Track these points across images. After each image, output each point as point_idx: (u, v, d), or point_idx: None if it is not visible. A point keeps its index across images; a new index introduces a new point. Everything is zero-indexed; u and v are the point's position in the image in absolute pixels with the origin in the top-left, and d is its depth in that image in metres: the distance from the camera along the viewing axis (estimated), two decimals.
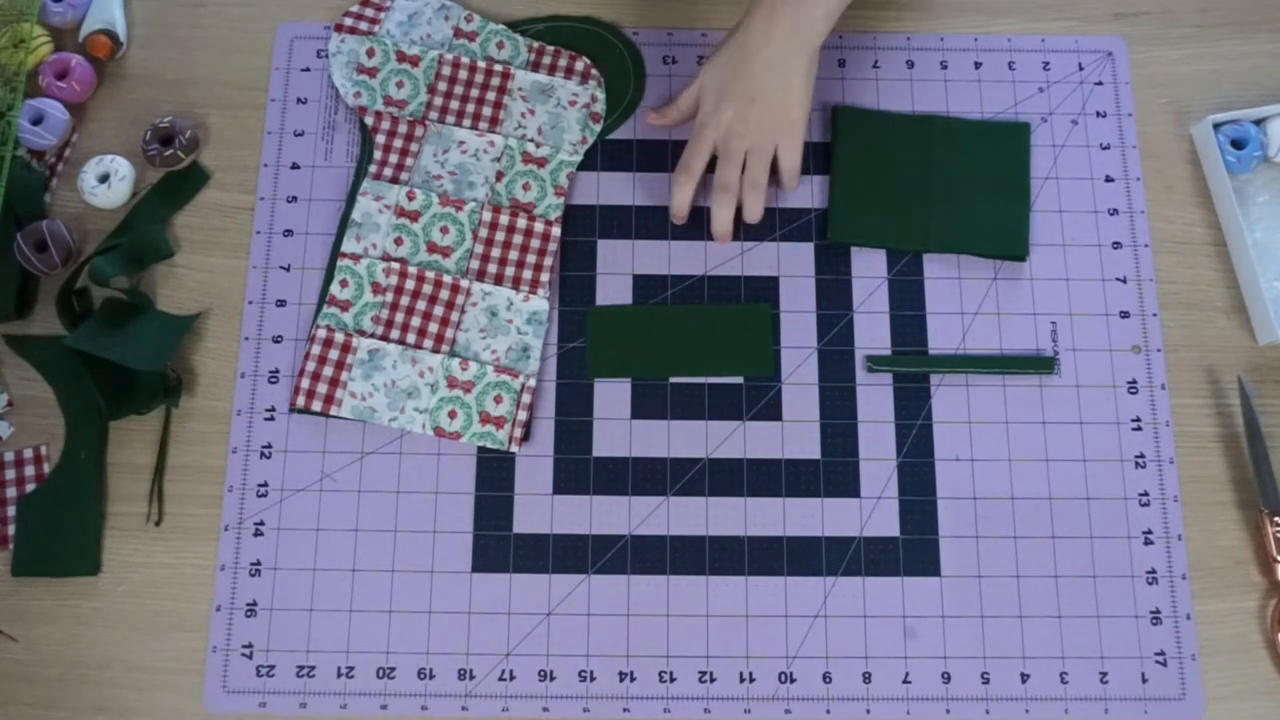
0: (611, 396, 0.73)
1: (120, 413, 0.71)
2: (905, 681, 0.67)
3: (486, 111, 0.78)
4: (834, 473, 0.71)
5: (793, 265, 0.76)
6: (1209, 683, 0.67)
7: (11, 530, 0.69)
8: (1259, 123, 0.77)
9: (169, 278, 0.75)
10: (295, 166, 0.77)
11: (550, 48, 0.80)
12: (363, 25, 0.80)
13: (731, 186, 0.73)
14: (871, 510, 0.70)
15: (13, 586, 0.69)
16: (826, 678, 0.67)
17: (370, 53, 0.79)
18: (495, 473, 0.71)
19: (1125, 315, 0.75)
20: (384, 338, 0.73)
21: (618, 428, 0.72)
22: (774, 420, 0.72)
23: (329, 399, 0.71)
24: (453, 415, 0.71)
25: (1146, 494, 0.71)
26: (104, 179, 0.75)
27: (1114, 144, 0.79)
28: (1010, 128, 0.78)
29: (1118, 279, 0.75)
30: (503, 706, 0.67)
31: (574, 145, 0.78)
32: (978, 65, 0.81)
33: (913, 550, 0.70)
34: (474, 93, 0.79)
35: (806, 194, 0.77)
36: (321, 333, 0.72)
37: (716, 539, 0.70)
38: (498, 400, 0.71)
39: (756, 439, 0.72)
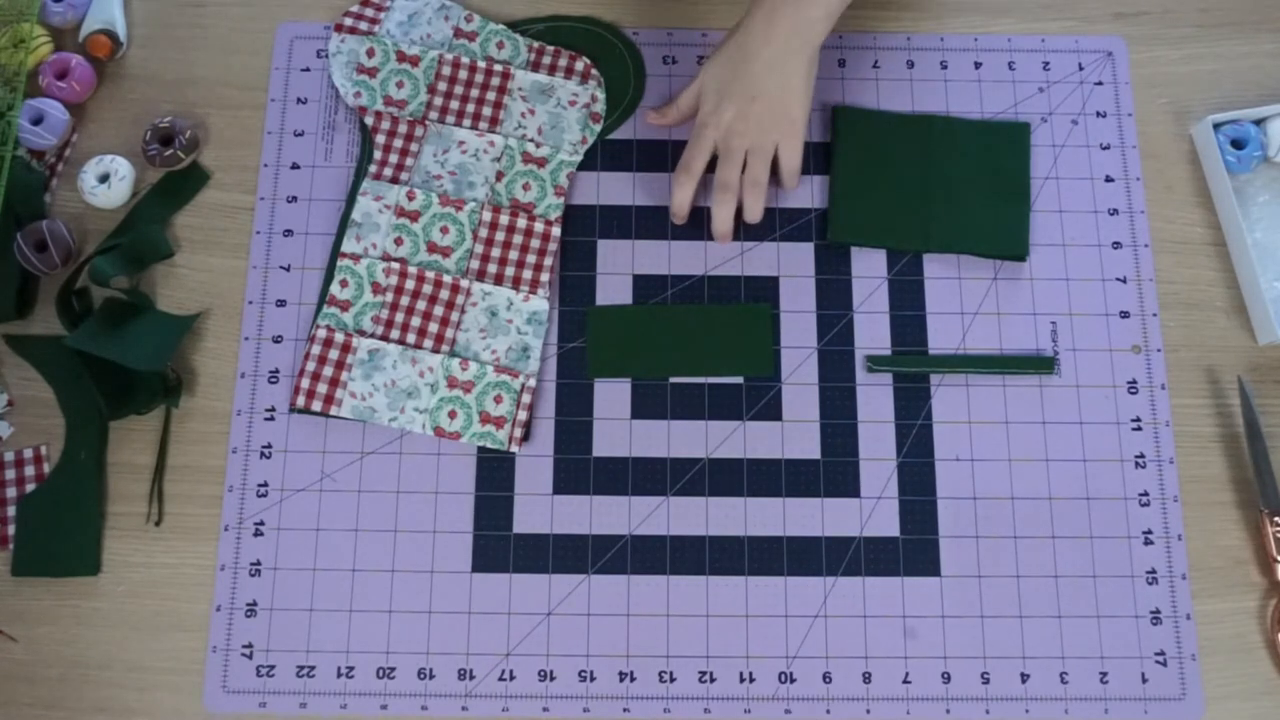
0: (611, 396, 0.73)
1: (120, 413, 0.71)
2: (905, 681, 0.67)
3: (486, 111, 0.78)
4: (834, 473, 0.71)
5: (793, 265, 0.76)
6: (1209, 683, 0.67)
7: (11, 530, 0.69)
8: (1259, 123, 0.77)
9: (169, 278, 0.75)
10: (295, 166, 0.77)
11: (550, 48, 0.80)
12: (363, 25, 0.80)
13: (732, 186, 0.73)
14: (871, 510, 0.70)
15: (13, 586, 0.69)
16: (826, 678, 0.67)
17: (370, 53, 0.79)
18: (495, 473, 0.71)
19: (1125, 315, 0.75)
20: (384, 338, 0.73)
21: (618, 428, 0.72)
22: (774, 420, 0.72)
23: (329, 399, 0.71)
24: (453, 415, 0.71)
25: (1146, 494, 0.71)
26: (104, 179, 0.75)
27: (1114, 144, 0.79)
28: (1010, 128, 0.78)
29: (1118, 279, 0.75)
30: (503, 706, 0.67)
31: (574, 145, 0.78)
32: (978, 65, 0.81)
33: (913, 550, 0.70)
34: (474, 93, 0.79)
35: (806, 194, 0.77)
36: (321, 333, 0.72)
37: (716, 539, 0.70)
38: (498, 400, 0.71)
39: (756, 439, 0.72)
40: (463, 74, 0.79)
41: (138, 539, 0.69)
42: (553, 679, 0.67)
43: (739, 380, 0.73)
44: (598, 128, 0.78)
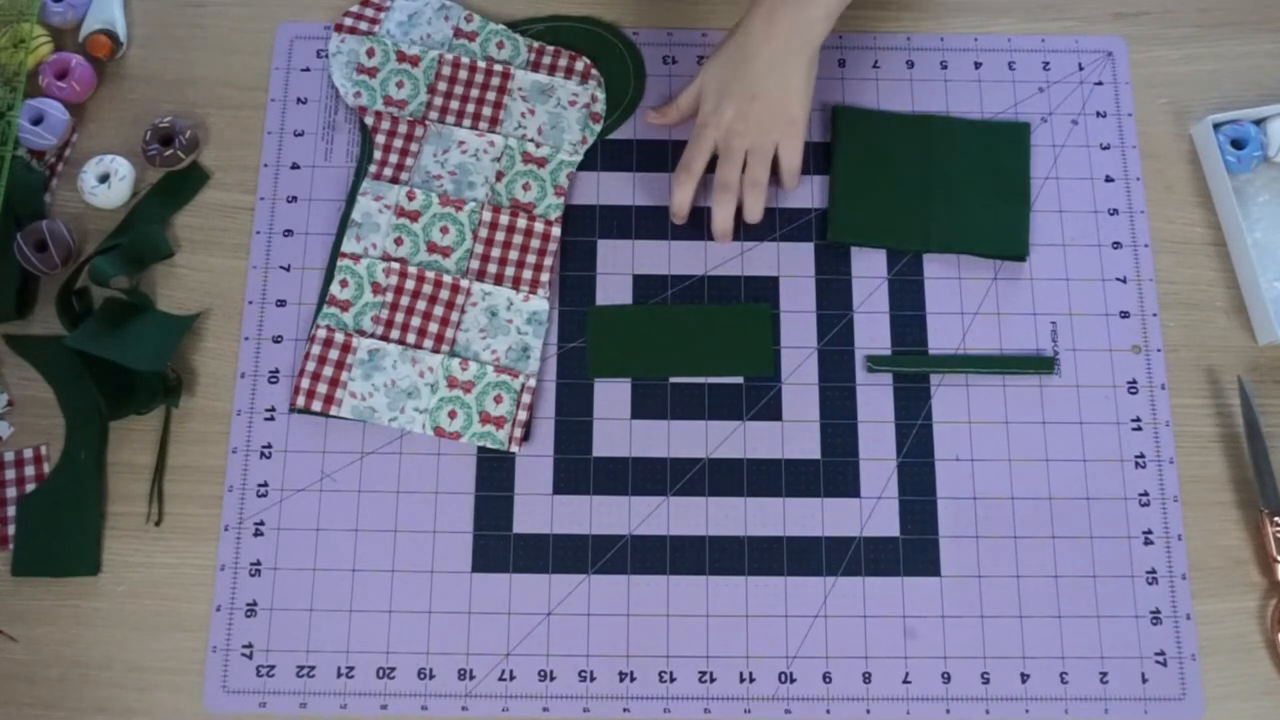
0: (611, 396, 0.73)
1: (120, 413, 0.71)
2: (905, 681, 0.67)
3: (486, 111, 0.78)
4: (834, 473, 0.71)
5: (793, 265, 0.76)
6: (1209, 683, 0.67)
7: (11, 530, 0.69)
8: (1259, 123, 0.77)
9: (169, 278, 0.75)
10: (295, 166, 0.77)
11: (550, 48, 0.80)
12: (363, 25, 0.80)
13: (732, 186, 0.73)
14: (871, 510, 0.70)
15: (13, 586, 0.69)
16: (826, 678, 0.67)
17: (370, 53, 0.79)
18: (495, 473, 0.71)
19: (1125, 315, 0.75)
20: (384, 338, 0.73)
21: (618, 428, 0.72)
22: (774, 420, 0.72)
23: (329, 399, 0.71)
24: (453, 415, 0.71)
25: (1146, 494, 0.71)
26: (104, 179, 0.75)
27: (1114, 144, 0.79)
28: (1010, 128, 0.78)
29: (1118, 279, 0.75)
30: (503, 706, 0.67)
31: (574, 145, 0.78)
32: (978, 65, 0.81)
33: (913, 550, 0.70)
34: (474, 93, 0.79)
35: (806, 194, 0.77)
36: (321, 333, 0.72)
37: (716, 539, 0.70)
38: (498, 400, 0.71)
39: (756, 439, 0.72)
40: (463, 74, 0.79)
41: (138, 539, 0.69)
42: (553, 679, 0.67)
43: (739, 380, 0.73)
44: (598, 128, 0.78)
